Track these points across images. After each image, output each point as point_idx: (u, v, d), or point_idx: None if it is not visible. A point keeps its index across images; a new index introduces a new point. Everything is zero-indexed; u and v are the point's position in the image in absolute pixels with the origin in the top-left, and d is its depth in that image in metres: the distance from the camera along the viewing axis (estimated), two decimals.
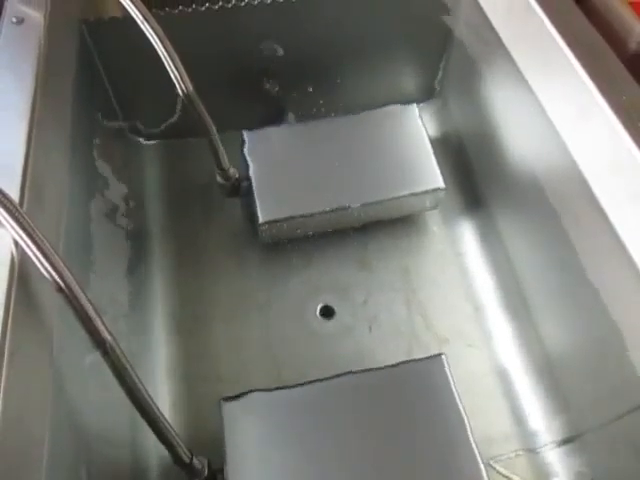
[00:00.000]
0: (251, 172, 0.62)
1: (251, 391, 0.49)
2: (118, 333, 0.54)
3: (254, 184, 0.61)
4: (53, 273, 0.33)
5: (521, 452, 0.54)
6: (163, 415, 0.40)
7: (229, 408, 0.48)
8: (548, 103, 0.52)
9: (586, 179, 0.47)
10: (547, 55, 0.50)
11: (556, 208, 0.52)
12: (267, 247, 0.64)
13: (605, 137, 0.44)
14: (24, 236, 0.32)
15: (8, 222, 0.32)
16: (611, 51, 0.48)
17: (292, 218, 0.60)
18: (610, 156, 0.44)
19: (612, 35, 0.52)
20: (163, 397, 0.55)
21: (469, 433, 0.47)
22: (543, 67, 0.52)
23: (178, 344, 0.59)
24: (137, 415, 0.39)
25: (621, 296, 0.45)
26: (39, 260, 0.32)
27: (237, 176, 0.61)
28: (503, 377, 0.58)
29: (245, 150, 0.63)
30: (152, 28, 0.49)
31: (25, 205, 0.37)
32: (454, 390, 0.49)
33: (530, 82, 0.54)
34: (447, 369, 0.50)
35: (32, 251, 0.32)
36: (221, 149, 0.57)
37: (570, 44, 0.48)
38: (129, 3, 0.49)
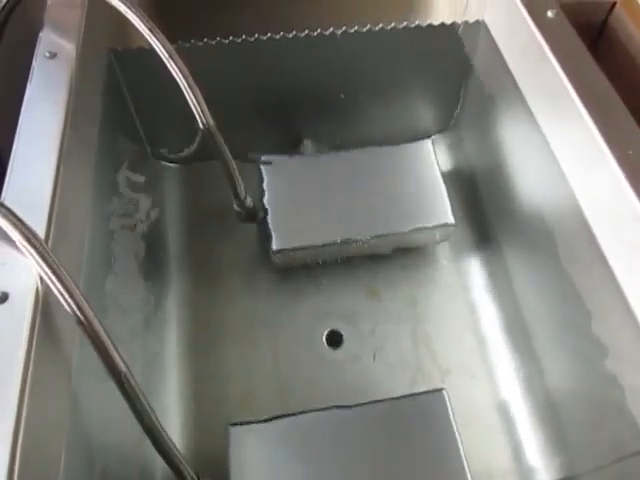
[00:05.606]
0: (266, 200, 0.64)
1: (258, 421, 0.50)
2: (132, 352, 0.56)
3: (269, 212, 0.63)
4: (75, 308, 0.35)
5: None
6: (171, 439, 0.42)
7: (236, 434, 0.49)
8: (557, 148, 0.53)
9: (590, 226, 0.48)
10: (558, 101, 0.51)
11: (562, 251, 0.53)
12: (279, 272, 0.66)
13: (609, 188, 0.45)
14: (49, 273, 0.34)
15: (35, 259, 0.34)
16: (622, 103, 0.49)
17: (304, 248, 0.62)
18: (613, 207, 0.45)
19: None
20: (172, 417, 0.57)
21: (466, 470, 0.48)
22: (554, 112, 0.53)
23: (189, 364, 0.61)
24: (146, 438, 0.40)
25: (622, 350, 0.46)
26: (62, 296, 0.34)
27: (253, 205, 0.63)
28: (504, 411, 0.59)
29: (261, 179, 0.65)
30: (176, 65, 0.52)
31: (50, 241, 0.38)
32: (454, 427, 0.50)
33: (541, 125, 0.55)
34: (448, 405, 0.51)
35: (56, 287, 0.34)
36: (238, 180, 0.59)
37: (580, 93, 0.49)
38: (155, 41, 0.51)
